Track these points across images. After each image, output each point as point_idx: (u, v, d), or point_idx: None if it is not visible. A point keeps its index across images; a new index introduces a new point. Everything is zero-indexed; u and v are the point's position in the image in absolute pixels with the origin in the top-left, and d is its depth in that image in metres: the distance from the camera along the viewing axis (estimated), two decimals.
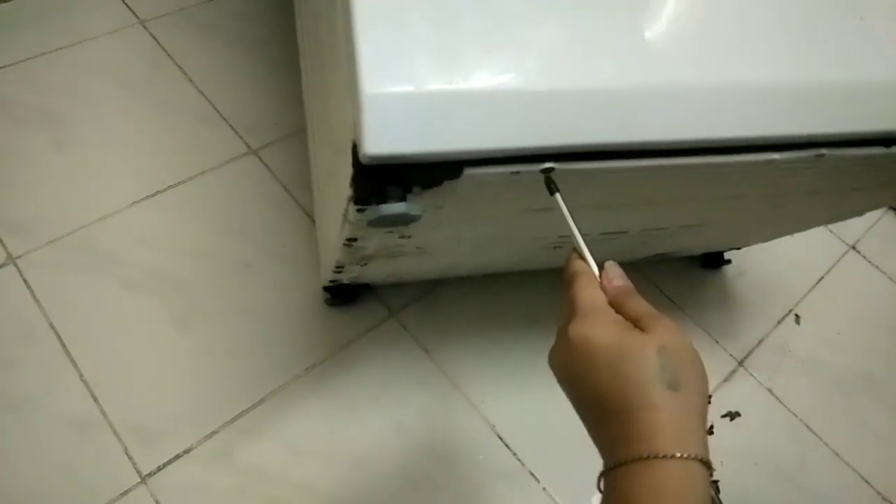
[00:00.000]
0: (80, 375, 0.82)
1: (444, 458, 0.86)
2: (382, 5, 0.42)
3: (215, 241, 0.96)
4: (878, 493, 0.94)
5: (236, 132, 1.08)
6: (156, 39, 1.15)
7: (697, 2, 0.50)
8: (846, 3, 0.53)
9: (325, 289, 0.90)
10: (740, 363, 1.02)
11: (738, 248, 1.09)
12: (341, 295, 0.92)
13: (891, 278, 1.18)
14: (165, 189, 0.99)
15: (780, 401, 1.00)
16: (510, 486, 0.86)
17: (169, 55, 1.14)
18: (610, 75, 0.46)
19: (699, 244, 0.96)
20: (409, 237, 0.62)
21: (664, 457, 0.34)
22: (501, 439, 0.89)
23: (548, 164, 0.46)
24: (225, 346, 0.88)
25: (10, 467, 0.76)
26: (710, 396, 0.97)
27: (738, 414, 0.97)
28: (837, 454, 0.96)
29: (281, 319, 0.91)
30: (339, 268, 0.73)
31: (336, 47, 0.50)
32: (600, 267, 0.43)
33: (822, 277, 1.15)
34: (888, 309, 1.14)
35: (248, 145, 1.07)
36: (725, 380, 1.00)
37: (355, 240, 0.60)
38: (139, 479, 0.77)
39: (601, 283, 0.42)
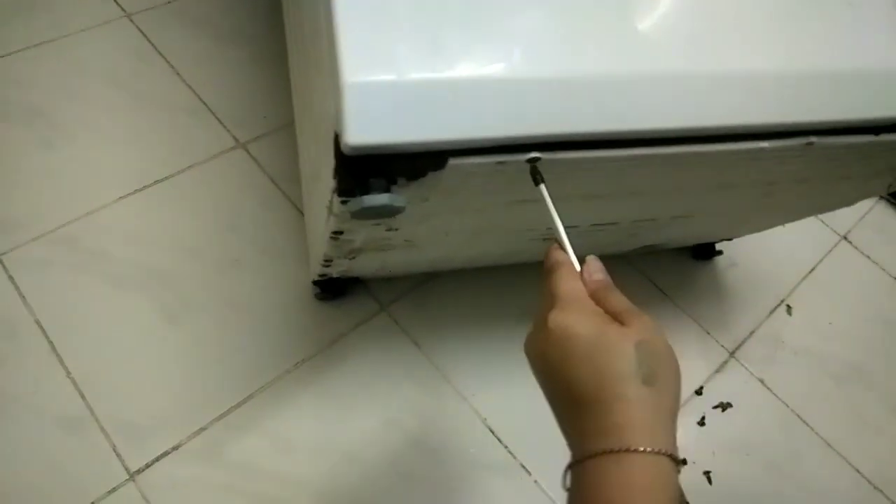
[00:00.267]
0: (67, 373, 0.81)
1: (436, 452, 0.86)
2: None
3: (203, 236, 0.95)
4: (870, 482, 0.94)
5: (224, 126, 1.07)
6: (142, 33, 1.14)
7: None
8: None
9: (315, 283, 0.90)
10: (732, 354, 1.02)
11: (730, 239, 1.09)
12: (331, 289, 0.92)
13: (882, 268, 1.18)
14: (153, 184, 0.98)
15: (771, 391, 1.00)
16: (501, 479, 0.85)
17: (156, 48, 1.13)
18: (596, 64, 0.46)
19: (690, 235, 0.96)
20: (397, 230, 0.62)
21: (635, 451, 0.34)
22: (493, 432, 0.88)
23: (533, 154, 0.45)
24: (214, 342, 0.87)
25: None
26: (701, 392, 0.97)
27: (729, 405, 0.97)
28: (829, 444, 0.96)
29: (270, 314, 0.91)
30: (328, 261, 0.73)
31: (318, 37, 0.49)
32: (581, 260, 0.43)
33: (814, 268, 1.15)
34: (880, 299, 1.14)
35: (236, 139, 1.06)
36: (717, 371, 1.00)
37: (342, 233, 0.59)
38: (127, 477, 0.77)
39: (581, 276, 0.42)
